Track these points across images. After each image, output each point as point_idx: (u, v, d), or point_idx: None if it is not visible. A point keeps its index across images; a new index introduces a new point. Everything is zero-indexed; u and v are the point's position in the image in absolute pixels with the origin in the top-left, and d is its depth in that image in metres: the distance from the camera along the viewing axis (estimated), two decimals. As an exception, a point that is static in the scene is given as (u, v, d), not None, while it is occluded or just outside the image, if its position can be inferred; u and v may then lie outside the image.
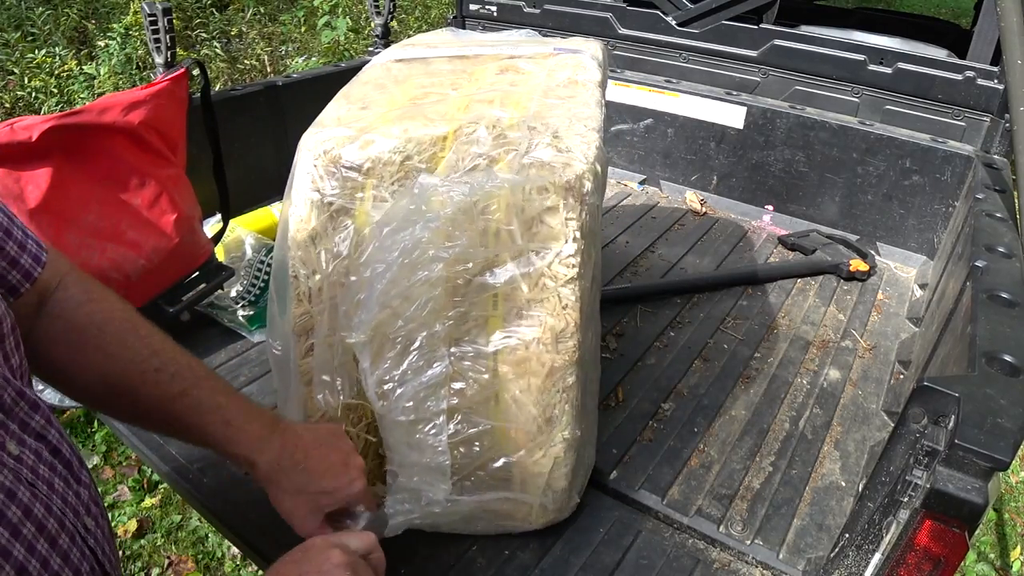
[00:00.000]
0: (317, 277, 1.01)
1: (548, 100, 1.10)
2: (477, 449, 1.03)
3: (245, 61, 5.05)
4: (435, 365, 0.95)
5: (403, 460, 1.00)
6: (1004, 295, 1.08)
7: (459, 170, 0.96)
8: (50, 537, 0.57)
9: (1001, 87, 1.84)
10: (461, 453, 1.02)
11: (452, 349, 0.98)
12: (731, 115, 2.27)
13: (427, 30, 3.83)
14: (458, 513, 1.07)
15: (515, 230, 0.92)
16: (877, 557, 0.90)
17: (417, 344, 0.95)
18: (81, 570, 0.59)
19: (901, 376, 1.62)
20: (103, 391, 0.77)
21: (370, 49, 2.67)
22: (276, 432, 0.85)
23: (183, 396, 0.79)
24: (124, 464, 2.31)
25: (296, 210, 1.01)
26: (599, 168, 0.97)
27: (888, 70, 2.03)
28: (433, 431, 0.97)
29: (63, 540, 0.59)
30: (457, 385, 0.99)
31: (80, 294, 0.76)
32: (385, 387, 0.96)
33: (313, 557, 0.71)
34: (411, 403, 0.95)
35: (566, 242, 0.93)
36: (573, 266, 0.94)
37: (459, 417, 1.01)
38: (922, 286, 1.95)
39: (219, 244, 1.69)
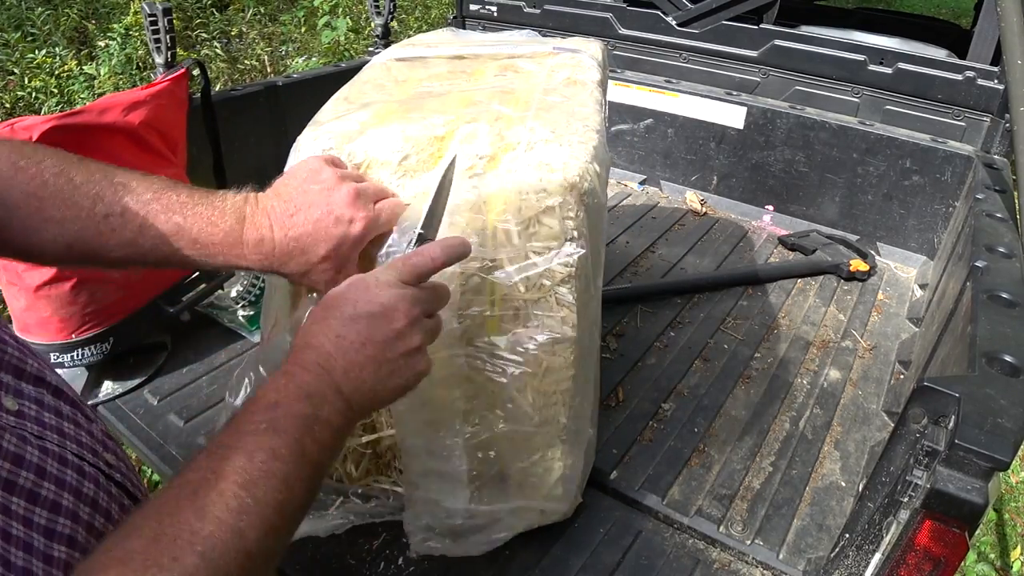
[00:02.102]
0: None
1: (547, 100, 1.10)
2: (480, 456, 1.03)
3: (245, 61, 5.05)
4: (449, 362, 0.94)
5: (421, 468, 0.99)
6: (1004, 295, 1.08)
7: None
8: (73, 489, 0.55)
9: (1001, 87, 1.84)
10: (472, 457, 1.02)
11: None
12: (731, 115, 2.27)
13: (427, 30, 3.83)
14: (476, 527, 1.06)
15: (512, 229, 0.91)
16: (877, 557, 0.90)
17: None
18: (111, 511, 0.58)
19: (901, 376, 1.62)
20: (66, 254, 0.73)
21: (370, 49, 2.67)
22: (245, 222, 0.76)
23: (141, 233, 0.73)
24: (124, 464, 2.31)
25: None
26: (598, 167, 0.97)
27: (888, 70, 2.03)
28: (450, 433, 0.96)
29: (88, 487, 0.57)
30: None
31: (7, 168, 0.70)
32: None
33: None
34: (427, 404, 0.94)
35: (564, 242, 0.93)
36: (571, 266, 0.94)
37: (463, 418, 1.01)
38: (922, 286, 1.95)
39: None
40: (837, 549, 1.00)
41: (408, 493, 1.02)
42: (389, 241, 0.85)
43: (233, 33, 5.21)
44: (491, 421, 1.00)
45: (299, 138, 1.02)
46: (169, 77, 1.53)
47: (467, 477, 0.99)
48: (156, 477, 2.24)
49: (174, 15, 1.74)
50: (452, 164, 0.88)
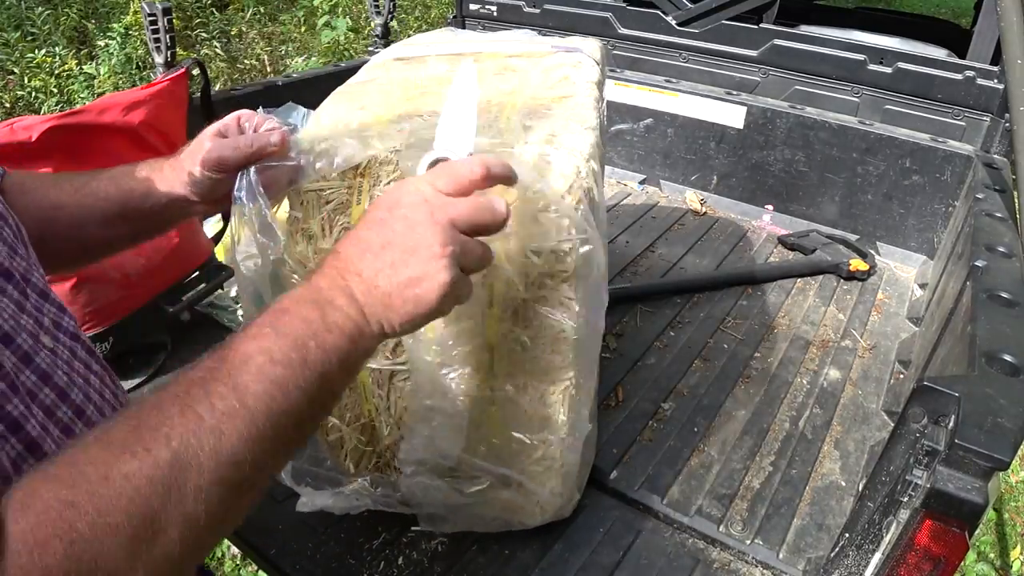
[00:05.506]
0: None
1: (544, 98, 1.10)
2: (480, 413, 1.03)
3: (245, 61, 5.05)
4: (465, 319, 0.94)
5: (427, 404, 0.97)
6: (1004, 295, 1.08)
7: None
8: (89, 423, 0.58)
9: (1001, 87, 1.84)
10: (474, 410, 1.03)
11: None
12: (731, 115, 2.27)
13: (427, 30, 3.84)
14: (463, 498, 1.07)
15: (510, 228, 0.91)
16: (877, 557, 0.90)
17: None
18: None
19: (901, 376, 1.62)
20: (64, 236, 0.79)
21: (370, 49, 2.67)
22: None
23: (114, 181, 0.81)
24: (124, 464, 2.31)
25: (292, 209, 1.01)
26: (595, 166, 0.97)
27: (888, 70, 2.03)
28: (456, 378, 0.95)
29: None
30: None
31: (29, 182, 0.78)
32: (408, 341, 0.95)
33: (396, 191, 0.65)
34: (438, 346, 0.94)
35: (562, 241, 0.93)
36: (570, 265, 0.94)
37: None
38: (922, 286, 1.96)
39: (219, 244, 1.69)
40: (837, 549, 1.00)
41: (411, 423, 1.02)
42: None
43: (233, 33, 5.21)
44: (489, 393, 1.01)
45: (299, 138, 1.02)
46: (169, 77, 1.53)
47: (466, 423, 0.99)
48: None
49: (174, 15, 1.74)
50: (469, 78, 0.79)
